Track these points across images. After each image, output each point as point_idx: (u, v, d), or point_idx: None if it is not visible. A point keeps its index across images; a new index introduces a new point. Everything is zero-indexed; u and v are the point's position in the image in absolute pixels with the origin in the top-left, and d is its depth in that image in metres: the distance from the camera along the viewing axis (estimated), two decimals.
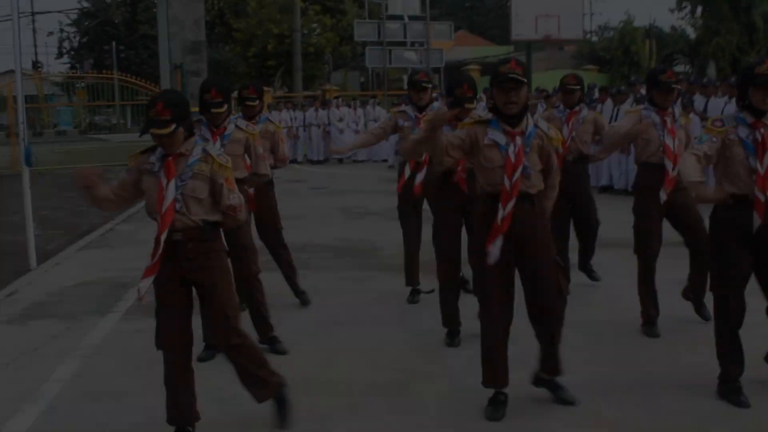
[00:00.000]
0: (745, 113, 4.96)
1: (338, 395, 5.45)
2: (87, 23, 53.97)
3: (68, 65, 58.09)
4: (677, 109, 6.66)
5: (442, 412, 5.13)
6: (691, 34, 40.33)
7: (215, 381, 5.38)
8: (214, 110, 5.96)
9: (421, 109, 7.20)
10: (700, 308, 6.81)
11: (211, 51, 50.42)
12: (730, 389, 5.15)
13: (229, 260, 5.07)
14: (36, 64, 54.91)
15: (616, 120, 14.68)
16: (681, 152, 6.42)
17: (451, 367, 5.96)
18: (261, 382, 4.85)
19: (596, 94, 16.51)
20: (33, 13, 54.10)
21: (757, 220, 4.97)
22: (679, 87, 6.54)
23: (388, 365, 6.02)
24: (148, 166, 4.64)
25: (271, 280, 8.67)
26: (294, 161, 24.36)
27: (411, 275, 7.81)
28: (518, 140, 4.83)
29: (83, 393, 5.66)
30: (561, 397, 5.16)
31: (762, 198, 4.93)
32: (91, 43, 53.86)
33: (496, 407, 4.99)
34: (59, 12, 65.26)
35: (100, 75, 31.36)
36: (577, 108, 7.88)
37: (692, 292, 6.80)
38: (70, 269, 9.94)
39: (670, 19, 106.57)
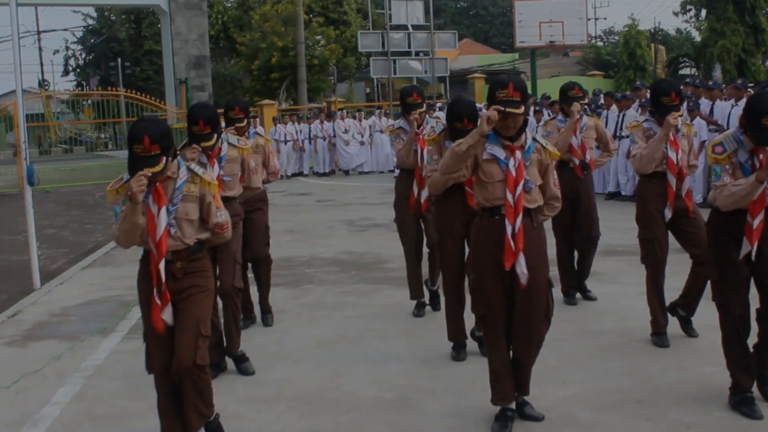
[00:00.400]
0: (745, 138, 4.85)
1: (342, 413, 5.36)
2: (92, 40, 54.12)
3: (74, 83, 58.34)
4: (680, 120, 6.50)
5: (446, 429, 5.02)
6: (696, 36, 40.30)
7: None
8: (203, 143, 5.83)
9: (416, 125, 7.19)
10: (687, 325, 6.67)
11: (216, 66, 50.67)
12: (742, 400, 5.04)
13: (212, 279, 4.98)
14: (42, 83, 55.14)
15: (621, 125, 14.61)
16: (684, 164, 6.39)
17: (456, 382, 5.86)
18: (198, 415, 4.67)
19: (602, 100, 16.40)
20: (39, 32, 54.38)
21: (746, 246, 4.92)
22: (680, 114, 6.36)
23: (393, 381, 5.92)
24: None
25: (273, 295, 8.62)
26: (300, 174, 24.36)
27: (415, 288, 7.71)
28: (518, 154, 4.74)
29: (84, 415, 5.58)
30: (528, 414, 5.03)
31: (752, 223, 4.86)
32: (96, 60, 53.97)
33: (504, 423, 4.89)
34: (64, 30, 65.52)
35: (106, 92, 31.40)
36: (578, 116, 7.74)
37: (683, 304, 6.61)
38: (73, 289, 9.87)
39: (675, 22, 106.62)
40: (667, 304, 6.60)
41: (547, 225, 5.27)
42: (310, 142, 24.40)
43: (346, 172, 24.19)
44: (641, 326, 6.74)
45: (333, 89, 39.46)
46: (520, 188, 4.72)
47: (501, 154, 4.76)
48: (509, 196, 4.72)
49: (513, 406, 4.98)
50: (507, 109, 4.55)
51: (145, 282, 4.63)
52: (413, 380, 5.92)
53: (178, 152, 4.75)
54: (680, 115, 6.33)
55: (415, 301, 7.75)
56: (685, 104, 14.13)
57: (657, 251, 6.48)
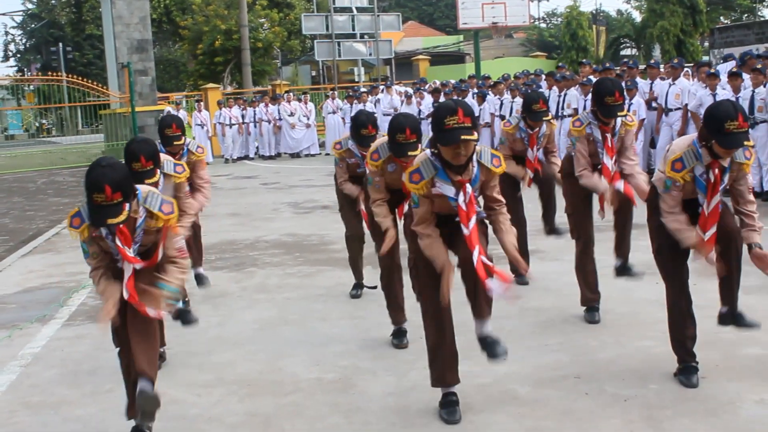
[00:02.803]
0: (704, 151, 4.85)
1: (283, 395, 5.33)
2: (32, 25, 53.10)
3: (15, 68, 57.25)
4: (619, 120, 6.44)
5: (388, 409, 5.02)
6: (637, 18, 40.71)
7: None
8: (147, 180, 5.47)
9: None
10: (628, 270, 6.68)
11: (160, 50, 50.03)
12: (684, 369, 5.15)
13: None
14: None
15: (563, 105, 14.73)
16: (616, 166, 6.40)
17: (398, 362, 5.87)
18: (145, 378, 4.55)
19: (543, 80, 16.52)
20: None
21: (697, 258, 5.02)
22: (624, 114, 6.35)
23: (335, 362, 5.91)
24: (96, 233, 4.45)
25: (216, 278, 8.58)
26: (245, 157, 24.20)
27: (357, 270, 7.73)
28: (468, 188, 4.62)
29: (20, 404, 5.48)
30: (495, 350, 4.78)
31: (703, 236, 4.93)
32: (37, 45, 53.01)
33: (451, 410, 4.81)
34: (3, 14, 64.18)
35: (48, 77, 30.84)
36: (536, 129, 7.63)
37: (618, 255, 6.66)
38: (12, 276, 9.70)
39: (617, 3, 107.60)
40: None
41: None
42: (255, 126, 24.23)
43: (293, 155, 24.08)
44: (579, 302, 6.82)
45: (278, 72, 39.16)
46: (473, 222, 4.64)
47: (450, 191, 4.63)
48: (464, 230, 4.64)
49: (455, 389, 4.92)
50: (463, 137, 4.39)
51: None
52: (354, 361, 5.92)
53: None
54: (624, 115, 6.31)
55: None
56: (623, 84, 14.31)
57: (585, 226, 6.55)
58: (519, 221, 7.77)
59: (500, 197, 4.90)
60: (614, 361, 5.61)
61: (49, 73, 33.32)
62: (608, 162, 6.35)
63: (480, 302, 4.74)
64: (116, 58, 25.67)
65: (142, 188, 4.53)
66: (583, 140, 6.38)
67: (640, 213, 5.82)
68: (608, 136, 6.32)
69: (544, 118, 7.55)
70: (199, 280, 7.77)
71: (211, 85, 28.98)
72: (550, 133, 7.76)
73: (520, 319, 6.72)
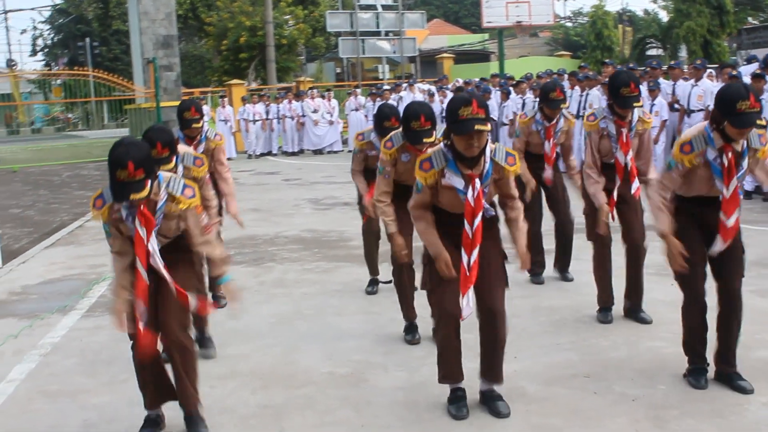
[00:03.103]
0: (715, 134, 4.85)
1: (294, 388, 5.42)
2: (60, 20, 53.56)
3: (43, 63, 57.75)
4: (636, 114, 6.48)
5: (397, 403, 5.09)
6: (664, 17, 40.49)
7: None
8: (163, 167, 5.47)
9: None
10: (638, 312, 6.63)
11: (186, 45, 50.30)
12: (694, 370, 5.18)
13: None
14: (10, 62, 54.48)
15: (585, 104, 14.72)
16: (635, 165, 6.42)
17: (409, 357, 5.93)
18: (187, 393, 4.77)
19: (566, 80, 16.50)
20: (6, 11, 53.72)
21: (718, 244, 4.98)
22: (640, 105, 6.37)
23: (348, 357, 5.98)
24: (117, 215, 4.53)
25: (235, 272, 8.66)
26: (268, 153, 24.32)
27: (373, 265, 7.80)
28: (477, 183, 4.65)
29: (38, 392, 5.60)
30: (496, 411, 4.88)
31: (726, 222, 4.92)
32: (64, 40, 53.45)
33: (459, 405, 4.88)
34: (32, 9, 64.72)
35: (75, 72, 31.13)
36: (554, 121, 7.67)
37: (629, 295, 6.65)
38: (35, 268, 9.85)
39: (643, 2, 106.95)
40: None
41: None
42: (278, 122, 24.35)
43: (315, 152, 24.18)
44: (595, 302, 6.85)
45: (303, 69, 39.28)
46: (478, 219, 4.69)
47: (460, 183, 4.67)
48: (467, 227, 4.69)
49: (462, 384, 4.97)
50: (476, 127, 4.44)
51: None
52: (367, 356, 5.99)
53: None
54: (640, 106, 6.30)
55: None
56: (646, 85, 14.30)
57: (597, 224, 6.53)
58: (533, 217, 7.80)
59: (514, 192, 4.91)
60: (624, 361, 5.65)
61: (76, 68, 33.61)
62: (621, 157, 6.35)
63: (495, 363, 4.92)
64: (142, 53, 25.87)
65: (164, 173, 4.63)
66: (595, 135, 6.41)
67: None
68: (623, 131, 6.33)
69: (562, 106, 7.59)
70: (218, 300, 7.58)
71: (235, 81, 29.13)
72: (567, 129, 7.75)
73: (533, 317, 6.77)
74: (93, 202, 4.53)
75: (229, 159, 23.17)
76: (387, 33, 29.64)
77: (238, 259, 9.66)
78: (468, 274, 4.71)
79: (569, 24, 59.04)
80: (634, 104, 6.20)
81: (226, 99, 25.19)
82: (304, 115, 24.13)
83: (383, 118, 6.64)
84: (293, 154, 24.18)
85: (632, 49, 37.76)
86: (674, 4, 34.21)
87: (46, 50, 56.38)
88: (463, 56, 38.95)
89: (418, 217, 4.88)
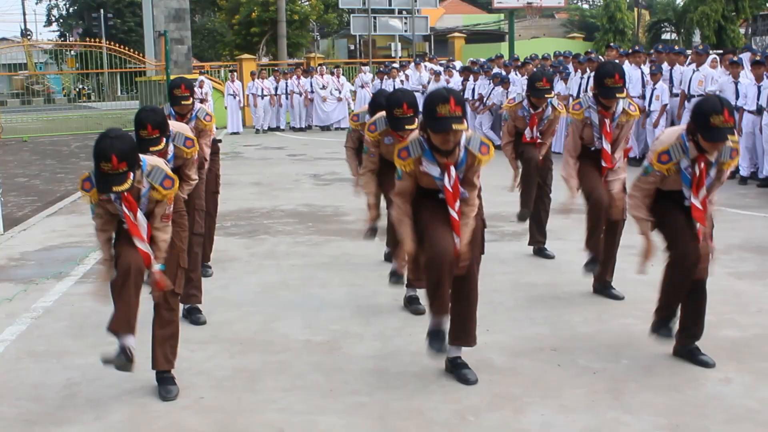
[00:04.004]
0: (691, 145, 4.97)
1: (271, 354, 5.61)
2: None
3: (57, 33, 57.95)
4: (621, 106, 6.58)
5: (367, 370, 5.27)
6: (681, 2, 40.26)
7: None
8: (152, 147, 5.48)
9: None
10: (608, 289, 6.77)
11: (202, 18, 50.40)
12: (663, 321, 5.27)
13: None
14: (25, 32, 54.72)
15: (586, 87, 14.80)
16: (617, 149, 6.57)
17: (386, 327, 6.11)
18: (163, 351, 4.98)
19: (570, 63, 16.58)
20: None
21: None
22: (624, 95, 6.49)
23: (326, 326, 6.17)
24: (106, 198, 4.71)
25: (228, 243, 8.89)
26: (277, 129, 24.48)
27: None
28: (452, 170, 4.82)
29: (26, 353, 5.80)
30: (464, 378, 5.05)
31: (698, 226, 5.05)
32: (80, 11, 53.60)
33: (441, 340, 4.96)
34: None
35: (88, 44, 31.26)
36: (540, 109, 7.81)
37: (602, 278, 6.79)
38: (35, 235, 10.05)
39: None
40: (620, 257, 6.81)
41: None
42: (286, 97, 24.48)
43: (323, 128, 24.31)
44: (574, 279, 7.02)
45: (315, 45, 39.35)
46: (458, 204, 4.86)
47: (436, 171, 4.84)
48: (452, 212, 4.86)
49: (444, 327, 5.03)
50: (453, 126, 4.59)
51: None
52: (345, 326, 6.17)
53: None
54: (623, 97, 6.41)
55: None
56: (647, 68, 14.39)
57: (591, 186, 6.57)
58: (528, 200, 7.97)
59: (476, 182, 5.02)
60: (593, 336, 5.82)
61: (88, 39, 33.78)
62: (606, 146, 6.48)
63: (467, 326, 5.07)
64: (153, 26, 26.01)
65: (148, 161, 4.80)
66: (579, 123, 6.55)
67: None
68: (607, 121, 6.45)
69: (547, 96, 7.70)
70: (204, 272, 7.57)
71: (246, 55, 29.24)
72: (553, 119, 7.90)
73: (512, 293, 6.94)
74: (81, 183, 4.73)
75: (236, 133, 23.65)
76: (400, 11, 29.65)
77: (232, 231, 9.86)
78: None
79: (585, 6, 58.80)
80: (618, 95, 6.32)
81: (235, 74, 25.31)
82: (312, 91, 24.26)
83: (375, 107, 6.80)
84: (301, 129, 24.32)
85: (646, 32, 37.64)
86: None
87: (60, 21, 56.58)
88: (478, 36, 38.90)
89: (398, 205, 5.03)
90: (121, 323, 4.73)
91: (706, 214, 5.08)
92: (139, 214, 4.73)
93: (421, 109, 4.91)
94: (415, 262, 5.39)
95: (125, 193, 4.63)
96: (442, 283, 4.89)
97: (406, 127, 5.79)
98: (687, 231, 5.12)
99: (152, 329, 5.03)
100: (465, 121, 4.69)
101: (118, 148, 4.43)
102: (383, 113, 6.25)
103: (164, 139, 5.69)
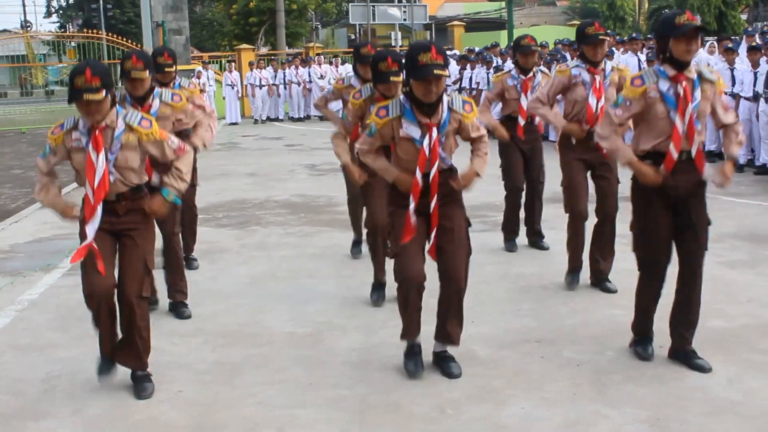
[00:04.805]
0: (665, 66, 4.81)
1: (254, 347, 5.57)
2: None
3: (57, 24, 57.84)
4: (609, 65, 6.63)
5: (348, 364, 5.23)
6: None
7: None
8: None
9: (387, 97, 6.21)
10: (603, 282, 6.69)
11: (202, 8, 50.30)
12: (640, 340, 5.22)
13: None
14: (25, 23, 54.64)
15: None
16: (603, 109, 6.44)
17: (371, 320, 6.07)
18: (135, 352, 4.90)
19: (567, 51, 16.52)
20: None
21: (662, 171, 4.84)
22: (608, 38, 6.54)
23: (311, 318, 6.13)
24: (75, 143, 4.70)
25: (219, 235, 8.87)
26: (276, 119, 24.43)
27: (357, 226, 7.87)
28: (434, 132, 4.76)
29: (8, 346, 5.77)
30: (448, 371, 5.00)
31: (674, 155, 4.82)
32: (79, 2, 53.50)
33: (415, 362, 4.98)
34: None
35: (87, 35, 31.27)
36: (531, 74, 7.80)
37: (595, 262, 6.70)
38: (27, 227, 10.02)
39: None
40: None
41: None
42: (285, 87, 24.42)
43: (321, 118, 24.23)
44: (563, 269, 6.93)
45: (314, 35, 39.23)
46: (434, 169, 4.79)
47: (416, 133, 4.78)
48: (419, 175, 4.79)
49: (418, 341, 5.06)
50: (435, 72, 4.54)
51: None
52: (330, 317, 6.13)
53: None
54: (606, 38, 6.45)
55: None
56: (645, 54, 14.32)
57: (575, 198, 6.63)
58: (513, 187, 7.94)
59: (478, 132, 4.96)
60: (578, 328, 5.76)
61: (86, 30, 33.72)
62: (593, 102, 6.41)
63: (452, 326, 5.00)
64: (151, 16, 25.94)
65: (123, 108, 4.80)
66: (564, 79, 6.55)
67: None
68: (597, 77, 6.43)
69: (534, 48, 7.75)
70: (189, 264, 7.55)
71: (244, 45, 29.17)
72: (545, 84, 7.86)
73: (500, 284, 6.89)
74: (51, 130, 4.76)
75: (234, 124, 23.58)
76: (400, 0, 29.58)
77: (224, 222, 9.82)
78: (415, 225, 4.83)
79: None
80: (600, 37, 6.34)
81: (233, 64, 25.24)
82: (310, 81, 24.19)
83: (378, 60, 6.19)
84: (299, 119, 24.27)
85: (646, 20, 37.51)
86: None
87: (60, 12, 56.49)
88: (479, 24, 38.80)
89: (366, 154, 5.02)
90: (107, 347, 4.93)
91: (694, 136, 4.83)
92: (101, 157, 4.62)
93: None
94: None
95: (96, 132, 4.61)
96: (412, 307, 4.92)
97: (391, 79, 5.74)
98: (663, 253, 5.01)
99: (123, 332, 4.91)
100: (446, 70, 4.65)
101: (92, 64, 4.57)
102: (370, 84, 6.23)
103: (104, 92, 4.71)
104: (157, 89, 6.17)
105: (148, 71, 5.89)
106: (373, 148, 4.99)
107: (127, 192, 4.78)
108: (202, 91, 22.73)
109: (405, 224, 4.85)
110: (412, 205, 4.82)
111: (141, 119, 4.76)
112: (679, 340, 5.12)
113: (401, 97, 4.87)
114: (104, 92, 4.51)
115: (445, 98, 4.83)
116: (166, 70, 6.81)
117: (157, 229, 5.18)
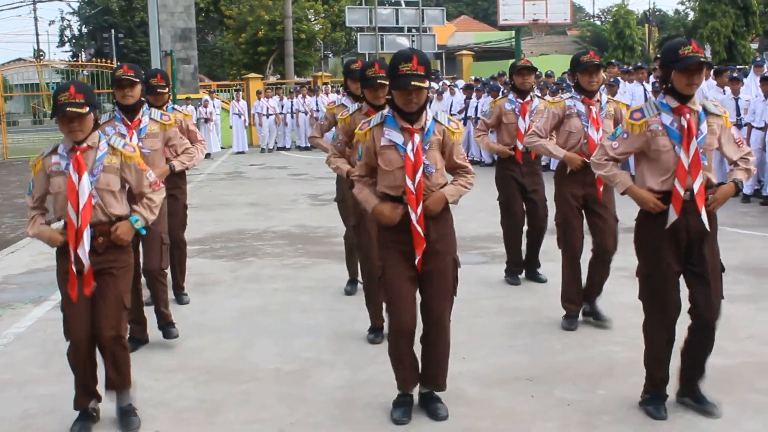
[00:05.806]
0: (668, 97, 4.63)
1: (237, 384, 5.42)
2: (87, 12, 54.03)
3: (70, 54, 58.25)
4: (605, 96, 6.52)
5: (333, 402, 5.08)
6: (691, 17, 40.09)
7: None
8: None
9: (376, 108, 6.15)
10: (596, 313, 6.54)
11: (213, 38, 50.54)
12: (652, 398, 4.83)
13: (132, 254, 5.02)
14: (38, 53, 55.03)
15: None
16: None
17: (358, 356, 5.92)
18: (118, 386, 4.82)
19: (568, 80, 16.40)
20: (34, 2, 54.12)
21: (672, 215, 4.60)
22: (602, 64, 6.44)
23: (298, 354, 5.98)
24: (54, 167, 4.63)
25: (213, 267, 8.75)
26: (282, 148, 24.42)
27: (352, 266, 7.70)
28: (416, 138, 4.63)
29: None
30: (434, 413, 4.83)
31: (681, 192, 4.57)
32: (92, 31, 53.92)
33: (404, 411, 4.81)
34: (61, 0, 65.28)
35: (99, 64, 31.40)
36: (528, 98, 7.72)
37: (588, 296, 6.55)
38: (22, 257, 9.93)
39: (674, 2, 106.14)
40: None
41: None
42: (292, 116, 24.41)
43: None
44: (558, 305, 6.78)
45: (323, 64, 39.31)
46: (419, 174, 4.64)
47: (399, 139, 4.67)
48: (409, 183, 4.63)
49: (412, 392, 4.90)
50: (413, 83, 4.49)
51: (64, 253, 4.70)
52: (318, 353, 5.99)
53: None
54: (601, 65, 6.36)
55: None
56: (651, 84, 14.19)
57: (573, 235, 6.48)
58: (514, 220, 7.80)
59: (464, 163, 4.85)
60: (572, 365, 5.60)
61: (94, 60, 33.87)
62: (594, 135, 6.27)
63: (436, 373, 4.85)
64: (160, 45, 26.03)
65: (113, 127, 4.88)
66: (559, 111, 6.42)
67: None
68: (593, 108, 6.31)
69: (528, 67, 7.67)
70: (180, 300, 7.49)
71: (252, 74, 29.22)
72: (543, 109, 7.73)
73: (495, 318, 6.74)
74: (33, 161, 4.75)
75: (241, 152, 23.55)
76: (409, 29, 29.57)
77: (220, 253, 9.71)
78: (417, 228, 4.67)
79: (598, 22, 58.70)
80: (595, 63, 6.24)
81: (241, 93, 25.26)
82: (318, 110, 24.17)
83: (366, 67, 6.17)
84: (306, 149, 24.23)
85: (656, 48, 37.46)
86: (699, 4, 33.87)
87: (73, 41, 56.91)
88: (489, 53, 38.78)
89: (357, 181, 4.94)
90: (82, 400, 4.84)
91: (700, 170, 4.57)
92: (84, 179, 4.55)
93: None
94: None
95: (77, 154, 4.54)
96: (405, 359, 4.79)
97: (378, 81, 5.73)
98: (673, 289, 4.70)
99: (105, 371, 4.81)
100: (427, 81, 4.57)
101: (77, 83, 4.60)
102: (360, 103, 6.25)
103: (87, 108, 4.63)
104: (146, 107, 6.20)
105: (138, 80, 5.97)
106: (363, 172, 4.88)
107: (106, 225, 4.67)
108: (207, 120, 22.82)
109: (414, 240, 4.69)
110: (413, 216, 4.66)
111: (125, 145, 4.74)
112: (687, 384, 4.85)
113: (386, 110, 4.80)
114: (87, 108, 4.49)
115: (430, 111, 4.74)
116: (159, 91, 6.83)
117: None
